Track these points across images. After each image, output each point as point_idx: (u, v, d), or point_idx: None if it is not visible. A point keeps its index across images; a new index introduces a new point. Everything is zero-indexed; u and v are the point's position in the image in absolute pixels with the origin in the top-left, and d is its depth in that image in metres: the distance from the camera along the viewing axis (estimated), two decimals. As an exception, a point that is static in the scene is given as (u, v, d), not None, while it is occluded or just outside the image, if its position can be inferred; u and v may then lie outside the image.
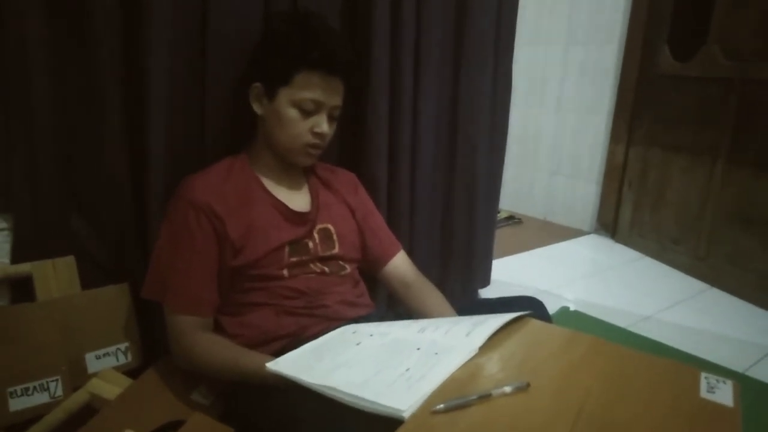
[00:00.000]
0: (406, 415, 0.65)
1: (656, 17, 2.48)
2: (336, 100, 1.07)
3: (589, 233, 2.89)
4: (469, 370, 0.75)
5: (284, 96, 1.03)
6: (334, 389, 0.72)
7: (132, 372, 1.08)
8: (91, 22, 1.00)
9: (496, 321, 0.85)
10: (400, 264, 1.23)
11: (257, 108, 1.07)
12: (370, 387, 0.72)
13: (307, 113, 1.04)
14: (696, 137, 2.29)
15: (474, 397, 0.67)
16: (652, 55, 2.50)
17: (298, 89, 1.02)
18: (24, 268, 1.03)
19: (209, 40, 1.11)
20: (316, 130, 1.05)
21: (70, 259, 1.07)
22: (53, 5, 0.99)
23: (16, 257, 1.04)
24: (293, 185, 1.14)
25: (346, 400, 0.71)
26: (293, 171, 1.14)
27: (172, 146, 1.11)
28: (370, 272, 1.24)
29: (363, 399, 0.69)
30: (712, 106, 2.21)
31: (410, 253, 1.28)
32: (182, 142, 1.13)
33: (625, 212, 2.71)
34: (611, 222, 2.79)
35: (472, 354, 0.78)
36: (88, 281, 1.09)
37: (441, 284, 1.64)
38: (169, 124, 1.09)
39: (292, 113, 1.04)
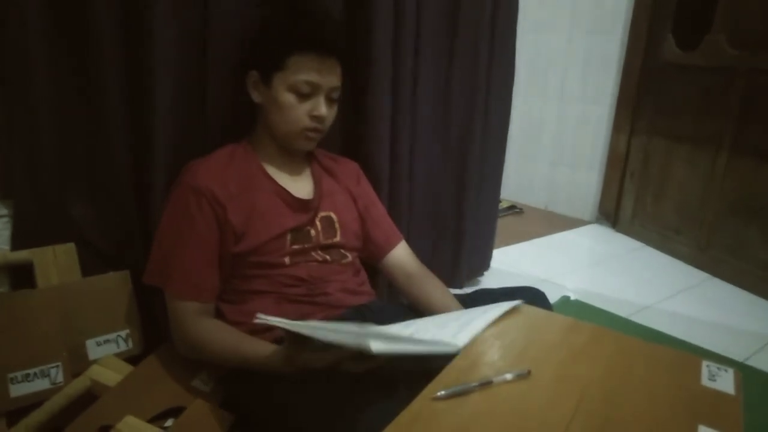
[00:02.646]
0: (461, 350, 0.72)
1: (661, 6, 2.46)
2: (333, 81, 1.05)
3: (590, 223, 2.89)
4: (471, 357, 0.75)
5: (279, 81, 1.02)
6: (397, 336, 0.74)
7: (133, 359, 1.08)
8: (92, 12, 0.99)
9: (496, 310, 0.85)
10: (402, 254, 1.22)
11: (255, 96, 1.06)
12: (424, 333, 0.76)
13: (303, 96, 1.02)
14: (699, 127, 2.28)
15: (475, 384, 0.67)
16: (656, 44, 2.48)
17: (292, 72, 1.01)
18: (24, 255, 1.03)
19: (211, 27, 1.10)
20: (314, 113, 1.03)
21: (71, 246, 1.07)
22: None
23: (17, 244, 1.04)
24: (296, 172, 1.13)
25: (404, 349, 0.68)
26: (296, 158, 1.13)
27: (174, 133, 1.10)
28: (372, 262, 1.24)
29: (421, 341, 0.73)
30: (715, 96, 2.19)
31: (408, 240, 1.28)
32: (184, 129, 1.12)
33: (627, 202, 2.71)
34: (612, 212, 2.79)
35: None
36: (88, 268, 1.09)
37: (438, 271, 1.64)
38: (172, 112, 1.09)
39: (289, 98, 1.02)
